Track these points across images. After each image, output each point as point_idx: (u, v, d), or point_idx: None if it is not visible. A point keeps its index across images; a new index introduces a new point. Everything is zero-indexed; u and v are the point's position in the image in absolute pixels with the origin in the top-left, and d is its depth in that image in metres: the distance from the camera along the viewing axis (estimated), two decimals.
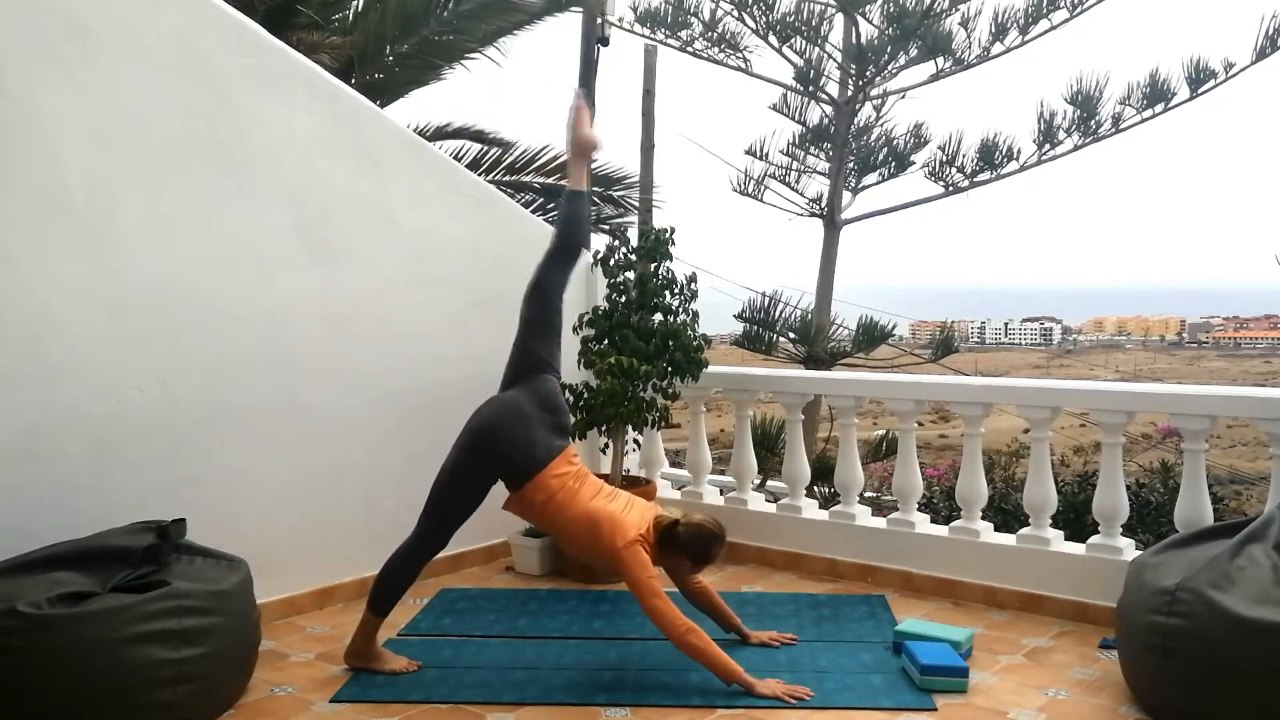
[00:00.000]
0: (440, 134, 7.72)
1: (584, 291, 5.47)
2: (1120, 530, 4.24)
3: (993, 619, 4.23)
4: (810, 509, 5.05)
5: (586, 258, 5.47)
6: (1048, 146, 10.59)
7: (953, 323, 12.18)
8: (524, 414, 3.68)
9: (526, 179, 7.83)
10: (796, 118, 11.36)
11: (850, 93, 11.30)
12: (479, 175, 6.46)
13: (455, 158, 7.18)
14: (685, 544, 3.59)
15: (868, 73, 11.10)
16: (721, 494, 5.39)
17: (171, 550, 3.38)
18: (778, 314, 9.72)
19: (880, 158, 11.32)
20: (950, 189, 11.14)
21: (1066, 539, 4.44)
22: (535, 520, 3.78)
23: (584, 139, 4.05)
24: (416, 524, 3.71)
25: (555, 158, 7.86)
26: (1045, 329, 42.04)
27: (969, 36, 10.71)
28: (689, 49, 11.55)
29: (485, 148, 7.77)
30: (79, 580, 3.11)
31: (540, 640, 3.95)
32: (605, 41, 9.90)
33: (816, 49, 11.07)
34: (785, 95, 11.33)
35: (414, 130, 7.20)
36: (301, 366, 4.24)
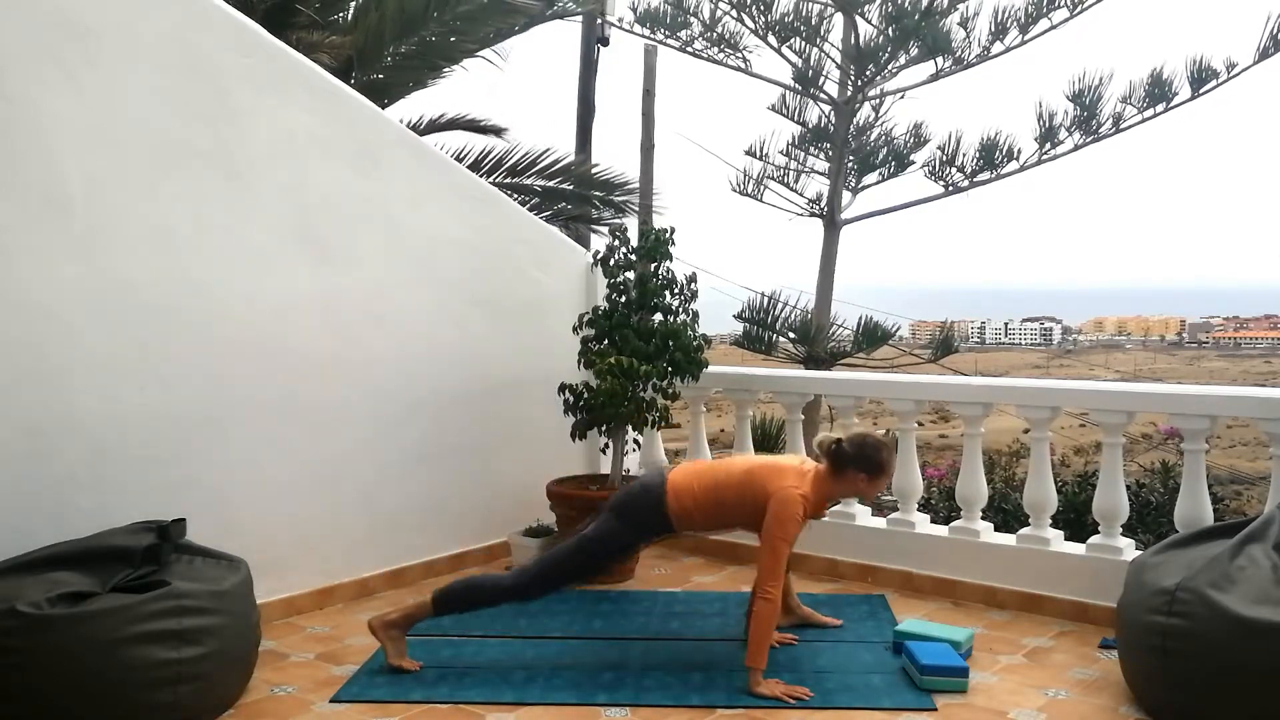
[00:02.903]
0: (434, 126, 7.70)
1: (584, 291, 5.47)
2: (1120, 530, 4.24)
3: (993, 619, 4.23)
4: None
5: (586, 257, 5.48)
6: (1048, 146, 10.61)
7: (953, 323, 12.18)
8: (641, 477, 3.99)
9: (528, 182, 7.81)
10: (795, 118, 11.38)
11: (850, 93, 11.32)
12: (481, 176, 6.46)
13: (456, 158, 7.17)
14: (853, 457, 3.55)
15: (867, 72, 11.11)
16: None
17: (171, 550, 3.38)
18: (778, 314, 9.73)
19: (880, 158, 11.34)
20: (950, 189, 11.15)
21: (1066, 539, 4.44)
22: (711, 521, 3.71)
23: None
24: (527, 572, 3.73)
25: (556, 160, 7.87)
26: (1045, 329, 42.09)
27: (969, 36, 10.74)
28: (689, 49, 11.57)
29: (487, 147, 7.76)
30: (79, 580, 3.11)
31: (540, 640, 3.95)
32: (605, 41, 9.92)
33: (815, 49, 11.10)
34: (784, 95, 11.35)
35: (411, 124, 7.21)
36: (301, 366, 4.24)
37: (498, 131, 7.85)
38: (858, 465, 3.56)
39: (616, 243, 5.02)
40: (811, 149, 11.40)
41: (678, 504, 3.64)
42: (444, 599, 3.68)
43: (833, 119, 11.33)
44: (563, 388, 4.87)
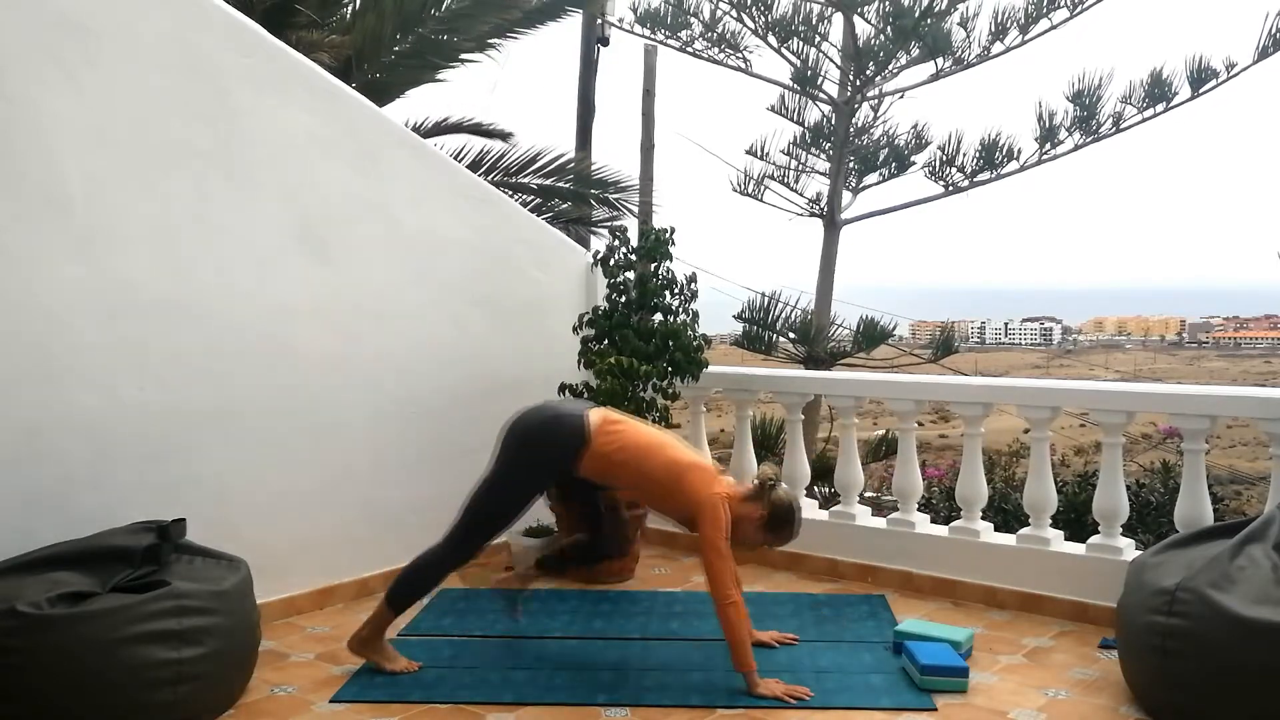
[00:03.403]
0: (437, 129, 7.70)
1: (584, 291, 5.47)
2: (1120, 530, 4.24)
3: (993, 619, 4.23)
4: (810, 509, 5.05)
5: (586, 257, 5.48)
6: (1048, 146, 10.59)
7: (953, 323, 12.19)
8: (548, 404, 3.85)
9: (525, 180, 7.82)
10: (795, 118, 11.36)
11: (849, 93, 11.31)
12: (479, 175, 6.46)
13: (455, 158, 7.17)
14: (773, 501, 3.53)
15: (867, 72, 11.10)
16: None
17: (171, 550, 3.38)
18: (778, 314, 9.72)
19: (880, 158, 11.32)
20: (950, 189, 11.13)
21: (1066, 539, 4.44)
22: (614, 475, 3.66)
23: None
24: (451, 530, 3.69)
25: (554, 159, 7.86)
26: (1045, 329, 42.08)
27: (969, 36, 10.71)
28: (689, 49, 11.56)
29: (486, 147, 7.76)
30: (79, 580, 3.11)
31: (540, 640, 3.95)
32: (605, 41, 9.92)
33: (815, 49, 11.08)
34: (784, 96, 11.33)
35: (412, 127, 7.20)
36: (301, 366, 4.24)
37: (504, 136, 7.85)
38: (767, 507, 3.53)
39: (616, 243, 5.03)
40: (811, 149, 11.38)
41: (603, 442, 3.56)
42: (395, 593, 3.66)
43: (833, 119, 11.32)
44: (563, 388, 4.87)
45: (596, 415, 3.66)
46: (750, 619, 3.94)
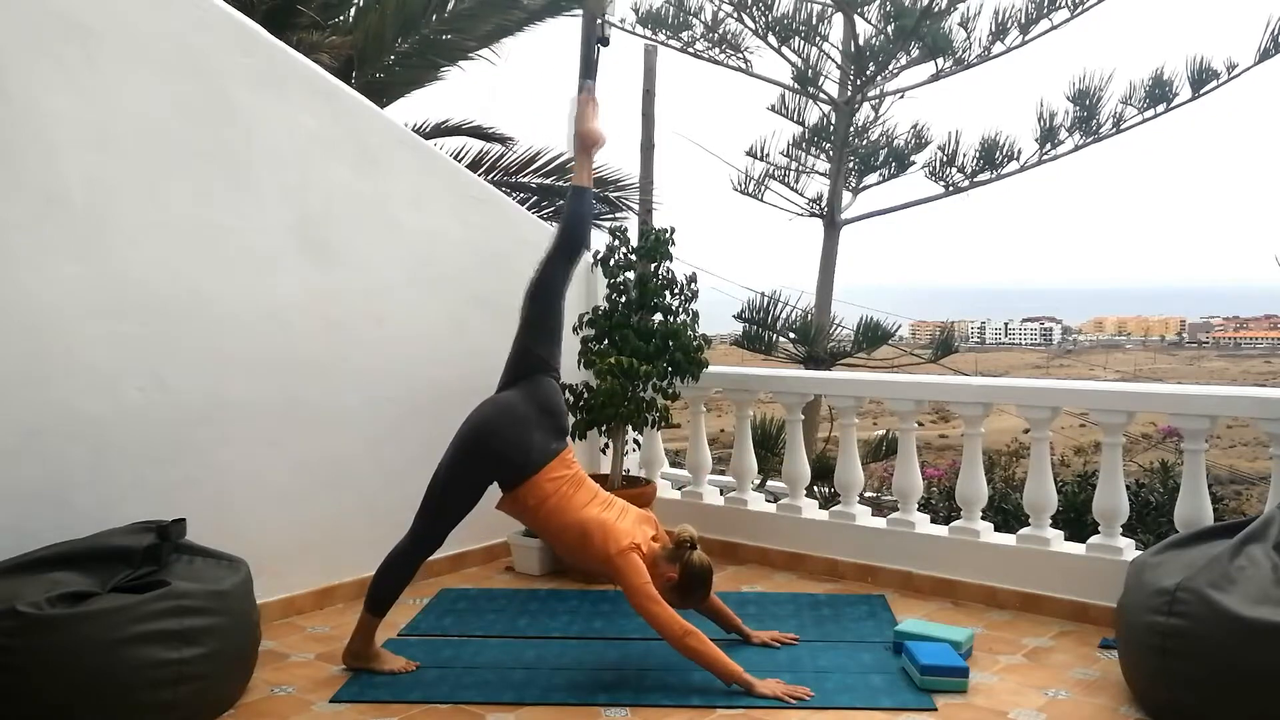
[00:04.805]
0: (438, 131, 7.71)
1: (584, 291, 5.47)
2: (1120, 530, 4.24)
3: (993, 619, 4.23)
4: (810, 509, 5.05)
5: (586, 258, 5.47)
6: (1048, 146, 10.60)
7: (953, 323, 12.20)
8: (521, 416, 3.70)
9: (524, 180, 7.82)
10: (795, 118, 11.37)
11: (849, 93, 11.31)
12: (478, 175, 6.47)
13: (455, 158, 7.17)
14: (685, 561, 3.53)
15: (867, 73, 11.11)
16: (721, 494, 5.39)
17: (171, 550, 3.38)
18: (778, 314, 9.73)
19: (880, 158, 11.33)
20: (950, 189, 11.14)
21: (1066, 539, 4.44)
22: (528, 523, 3.81)
23: (589, 133, 4.17)
24: (412, 523, 3.71)
25: (553, 159, 7.86)
26: (1045, 329, 42.03)
27: (969, 36, 10.73)
28: (690, 50, 11.57)
29: (485, 148, 7.77)
30: (79, 580, 3.11)
31: (540, 640, 3.95)
32: (605, 42, 9.91)
33: (815, 49, 11.09)
34: (784, 96, 11.34)
35: (413, 128, 7.21)
36: (301, 366, 4.24)
37: (503, 140, 7.86)
38: (680, 567, 3.51)
39: (616, 243, 5.02)
40: (812, 149, 11.39)
41: (534, 491, 3.58)
42: (372, 596, 3.66)
43: (833, 119, 11.33)
44: (563, 388, 4.86)
45: (554, 468, 3.63)
46: (749, 620, 3.97)
